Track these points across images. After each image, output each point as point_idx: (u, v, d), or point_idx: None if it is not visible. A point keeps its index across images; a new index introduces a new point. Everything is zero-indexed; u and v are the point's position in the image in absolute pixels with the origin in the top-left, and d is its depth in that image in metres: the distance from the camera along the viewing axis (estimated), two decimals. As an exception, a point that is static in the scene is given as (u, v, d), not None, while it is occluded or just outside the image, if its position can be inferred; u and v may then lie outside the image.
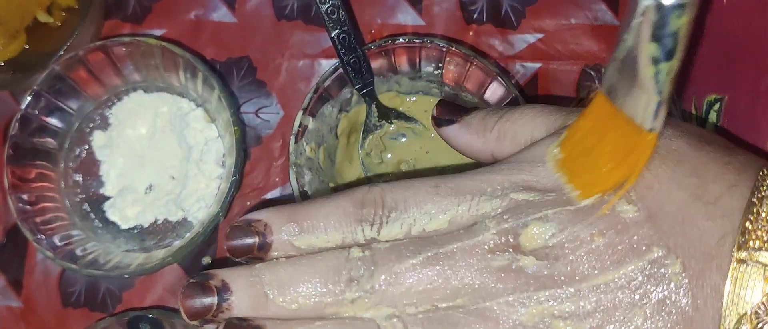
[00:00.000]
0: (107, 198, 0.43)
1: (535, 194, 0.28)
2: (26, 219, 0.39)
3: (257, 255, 0.28)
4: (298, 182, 0.38)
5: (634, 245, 0.27)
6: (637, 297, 0.26)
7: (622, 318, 0.26)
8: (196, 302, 0.27)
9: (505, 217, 0.28)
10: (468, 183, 0.29)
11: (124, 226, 0.43)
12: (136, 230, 0.43)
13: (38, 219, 0.40)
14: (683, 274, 0.26)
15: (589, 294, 0.26)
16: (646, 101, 0.26)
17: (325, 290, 0.28)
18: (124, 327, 0.39)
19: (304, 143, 0.39)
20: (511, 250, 0.27)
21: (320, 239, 0.29)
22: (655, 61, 0.24)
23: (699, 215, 0.26)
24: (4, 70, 0.43)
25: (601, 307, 0.26)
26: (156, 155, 0.43)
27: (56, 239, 0.40)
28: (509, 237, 0.28)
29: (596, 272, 0.27)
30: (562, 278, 0.27)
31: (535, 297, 0.27)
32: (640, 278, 0.26)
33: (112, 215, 0.43)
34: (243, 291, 0.27)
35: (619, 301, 0.26)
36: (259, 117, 0.44)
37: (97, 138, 0.44)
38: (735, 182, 0.26)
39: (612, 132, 0.28)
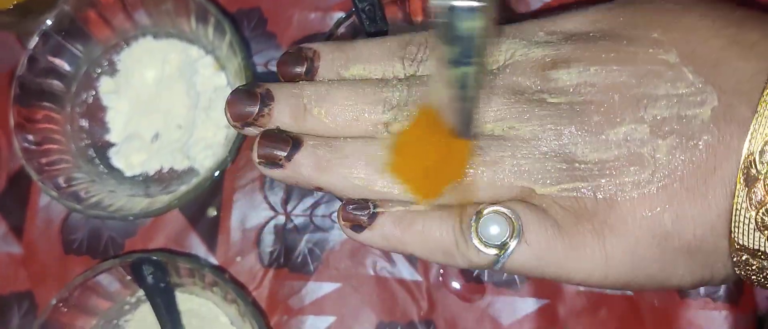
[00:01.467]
0: (112, 145, 0.43)
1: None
2: (31, 159, 0.39)
3: (304, 78, 0.30)
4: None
5: (667, 81, 0.27)
6: (665, 128, 0.26)
7: (646, 151, 0.27)
8: (241, 105, 0.29)
9: (544, 53, 0.29)
10: (508, 30, 0.30)
11: (128, 173, 0.42)
12: (140, 178, 0.42)
13: (43, 160, 0.40)
14: (712, 107, 0.26)
15: (620, 127, 0.27)
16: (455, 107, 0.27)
17: (362, 108, 0.29)
18: (127, 270, 0.38)
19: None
20: (543, 83, 0.28)
21: (365, 69, 0.31)
22: (453, 64, 0.25)
23: (734, 57, 0.26)
24: (12, 14, 0.42)
25: (629, 139, 0.27)
26: (163, 102, 0.42)
27: (61, 180, 0.39)
28: (545, 70, 0.29)
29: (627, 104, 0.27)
30: (593, 111, 0.27)
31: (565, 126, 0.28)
32: (666, 113, 0.27)
33: (117, 161, 0.42)
34: (284, 100, 0.29)
35: (645, 134, 0.27)
36: (268, 69, 0.44)
37: (105, 84, 0.43)
38: None
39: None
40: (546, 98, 0.28)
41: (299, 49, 0.31)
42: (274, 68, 0.44)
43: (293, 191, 0.42)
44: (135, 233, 0.42)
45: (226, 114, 0.29)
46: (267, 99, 0.29)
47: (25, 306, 0.41)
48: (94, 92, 0.43)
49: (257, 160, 0.29)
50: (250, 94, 0.29)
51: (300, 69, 0.30)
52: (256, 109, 0.29)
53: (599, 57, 0.28)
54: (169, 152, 0.42)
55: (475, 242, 0.28)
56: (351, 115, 0.29)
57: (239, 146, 0.40)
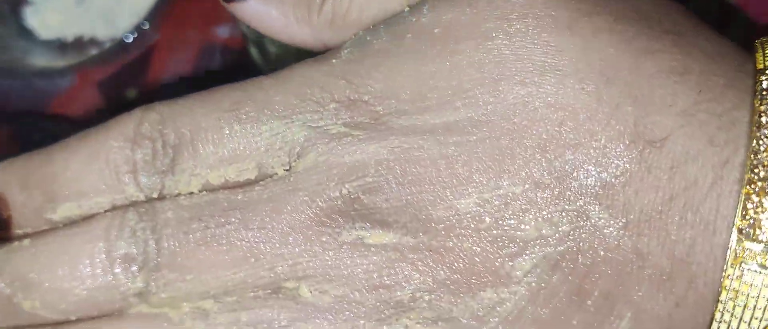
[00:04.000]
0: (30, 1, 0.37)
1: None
2: None
3: None
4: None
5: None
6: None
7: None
8: None
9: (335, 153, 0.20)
10: (280, 98, 0.20)
11: (43, 35, 0.36)
12: (56, 44, 0.36)
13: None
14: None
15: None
16: None
17: (93, 281, 0.19)
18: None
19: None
20: (355, 213, 0.20)
21: (78, 206, 0.20)
22: None
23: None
24: None
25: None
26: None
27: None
28: (349, 195, 0.20)
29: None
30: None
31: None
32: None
33: (32, 19, 0.36)
34: None
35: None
36: None
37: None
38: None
39: None
40: (366, 240, 0.20)
41: None
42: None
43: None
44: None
45: None
46: None
47: None
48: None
49: None
50: None
51: None
52: None
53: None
54: (93, 17, 0.36)
55: None
56: (81, 295, 0.20)
57: (164, 14, 0.33)
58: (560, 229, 0.19)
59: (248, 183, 0.20)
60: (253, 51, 0.33)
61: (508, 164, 0.19)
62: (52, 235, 0.20)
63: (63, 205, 0.20)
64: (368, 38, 0.21)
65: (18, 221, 0.20)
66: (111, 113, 0.21)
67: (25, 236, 0.20)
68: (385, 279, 0.19)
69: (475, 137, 0.19)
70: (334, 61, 0.21)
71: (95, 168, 0.20)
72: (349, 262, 0.20)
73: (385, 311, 0.19)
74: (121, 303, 0.20)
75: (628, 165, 0.19)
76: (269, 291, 0.20)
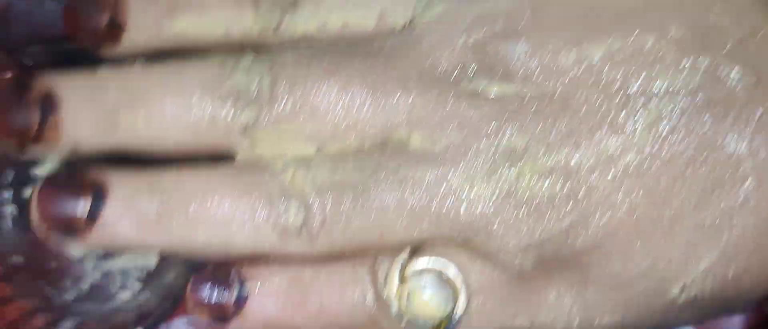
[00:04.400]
0: None
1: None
2: None
3: (106, 37, 0.20)
4: None
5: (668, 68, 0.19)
6: (665, 146, 0.19)
7: (640, 181, 0.19)
8: (9, 115, 0.19)
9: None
10: None
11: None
12: None
13: None
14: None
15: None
16: None
17: (200, 110, 0.19)
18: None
19: None
20: (480, 65, 0.19)
21: (199, 23, 0.20)
22: None
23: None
24: None
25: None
26: None
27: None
28: (486, 44, 0.19)
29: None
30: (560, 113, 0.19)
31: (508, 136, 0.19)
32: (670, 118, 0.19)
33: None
34: (79, 105, 0.19)
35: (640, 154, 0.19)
36: None
37: None
38: None
39: None
40: (486, 90, 0.19)
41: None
42: None
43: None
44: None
45: None
46: (49, 107, 0.19)
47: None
48: None
49: (41, 229, 0.19)
50: (22, 91, 0.19)
51: (98, 18, 0.20)
52: (32, 119, 0.19)
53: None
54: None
55: (404, 322, 0.19)
56: (185, 122, 0.19)
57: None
58: (691, 83, 0.18)
59: (367, 31, 0.20)
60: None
61: (641, 14, 0.19)
62: (164, 63, 0.20)
63: (183, 15, 0.20)
64: None
65: (133, 27, 0.20)
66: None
67: (138, 48, 0.20)
68: (503, 127, 0.19)
69: None
70: None
71: None
72: (466, 112, 0.19)
73: (499, 159, 0.19)
74: (224, 140, 0.19)
75: (762, 23, 0.19)
76: (379, 139, 0.19)
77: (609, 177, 0.19)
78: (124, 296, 0.31)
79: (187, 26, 0.20)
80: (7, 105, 0.19)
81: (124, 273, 0.32)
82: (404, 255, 0.19)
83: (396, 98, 0.19)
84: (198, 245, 0.19)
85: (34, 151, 0.20)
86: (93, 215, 0.19)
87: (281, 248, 0.19)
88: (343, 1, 0.20)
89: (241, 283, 0.19)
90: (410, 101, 0.19)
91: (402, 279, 0.19)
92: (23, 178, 0.32)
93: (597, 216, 0.19)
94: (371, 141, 0.19)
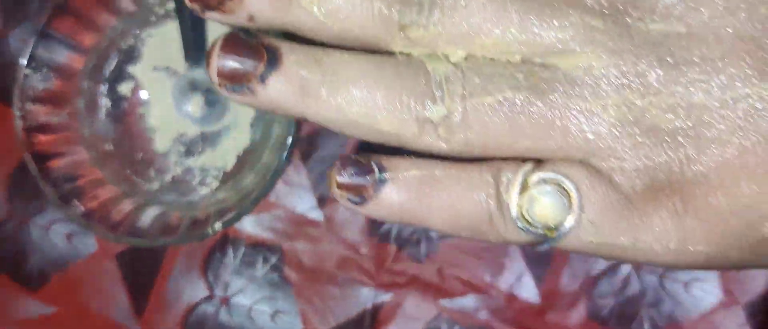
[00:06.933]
0: None
1: None
2: None
3: None
4: None
5: None
6: None
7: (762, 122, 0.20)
8: None
9: None
10: None
11: None
12: None
13: None
14: None
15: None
16: None
17: (370, 2, 0.21)
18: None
19: None
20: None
21: None
22: None
23: None
24: None
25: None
26: None
27: None
28: None
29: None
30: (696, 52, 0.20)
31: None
32: None
33: None
34: None
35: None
36: None
37: None
38: None
39: None
40: (632, 24, 0.20)
41: None
42: None
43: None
44: None
45: None
46: None
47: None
48: None
49: (217, 79, 0.21)
50: None
51: None
52: None
53: None
54: None
55: (519, 223, 0.21)
56: (355, 11, 0.21)
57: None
58: None
59: None
60: None
61: None
62: None
63: None
64: None
65: None
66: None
67: None
68: (642, 60, 0.21)
69: None
70: None
71: None
72: (610, 42, 0.21)
73: (633, 89, 0.21)
74: (386, 34, 0.21)
75: None
76: (526, 57, 0.21)
77: (728, 118, 0.20)
78: (203, 191, 0.35)
79: None
80: None
81: (204, 170, 0.35)
82: (529, 165, 0.21)
83: (548, 24, 0.21)
84: (348, 121, 0.21)
85: (212, 16, 0.21)
86: (264, 78, 0.21)
87: (420, 138, 0.21)
88: None
89: (381, 170, 0.22)
90: (560, 27, 0.21)
91: (524, 187, 0.21)
92: (119, 74, 0.35)
93: (709, 152, 0.20)
94: (519, 56, 0.21)
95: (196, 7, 0.21)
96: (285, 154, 0.31)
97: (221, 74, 0.21)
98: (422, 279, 0.34)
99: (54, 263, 0.36)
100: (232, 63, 0.21)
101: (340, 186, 0.22)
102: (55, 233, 0.36)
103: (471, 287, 0.34)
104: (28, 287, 0.36)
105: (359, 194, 0.22)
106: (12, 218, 0.36)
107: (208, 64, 0.21)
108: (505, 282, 0.34)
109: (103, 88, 0.35)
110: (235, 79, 0.21)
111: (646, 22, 0.21)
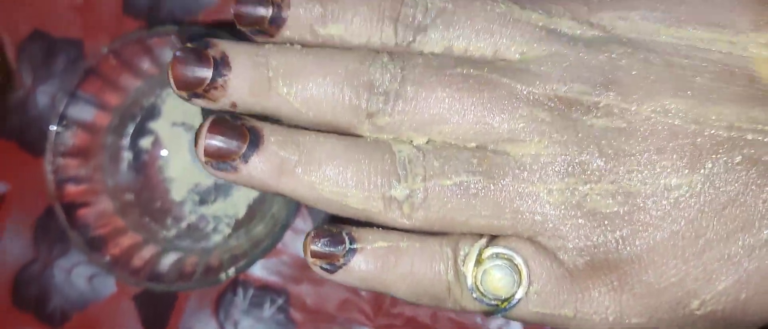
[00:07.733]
0: None
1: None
2: None
3: (267, 29, 0.24)
4: None
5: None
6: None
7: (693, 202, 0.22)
8: (189, 71, 0.23)
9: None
10: (536, 15, 0.24)
11: None
12: None
13: None
14: None
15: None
16: None
17: (341, 93, 0.23)
18: (183, 40, 0.36)
19: None
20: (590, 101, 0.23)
21: (344, 30, 0.24)
22: None
23: None
24: None
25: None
26: None
27: None
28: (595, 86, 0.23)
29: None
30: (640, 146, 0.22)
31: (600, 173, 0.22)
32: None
33: None
34: (244, 71, 0.23)
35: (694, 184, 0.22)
36: None
37: None
38: None
39: None
40: (578, 119, 0.23)
41: None
42: None
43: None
44: (197, 12, 0.40)
45: (168, 78, 0.23)
46: (222, 67, 0.23)
47: (73, 54, 0.40)
48: None
49: (204, 158, 0.23)
50: (202, 56, 0.23)
51: (264, 12, 0.23)
52: (208, 75, 0.23)
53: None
54: None
55: (474, 294, 0.23)
56: (326, 103, 0.23)
57: None
58: (752, 132, 0.22)
59: (486, 58, 0.24)
60: None
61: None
62: (319, 48, 0.24)
63: (334, 24, 0.24)
64: None
65: (290, 26, 0.24)
66: None
67: (292, 41, 0.24)
68: (586, 152, 0.23)
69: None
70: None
71: (367, 7, 0.23)
72: (558, 135, 0.23)
73: (577, 177, 0.23)
74: (354, 120, 0.23)
75: None
76: (480, 143, 0.23)
77: (660, 205, 0.22)
78: (216, 238, 0.37)
79: (335, 33, 0.24)
80: (188, 60, 0.23)
81: (216, 218, 0.38)
82: (483, 240, 0.23)
83: (499, 116, 0.23)
84: (320, 198, 0.23)
85: (199, 102, 0.23)
86: (246, 157, 0.23)
87: (386, 215, 0.23)
88: (468, 32, 0.23)
89: (351, 241, 0.23)
90: (510, 119, 0.23)
91: (478, 260, 0.23)
92: (140, 129, 0.38)
93: (643, 235, 0.22)
94: (474, 143, 0.23)
95: (183, 94, 0.23)
96: (293, 208, 0.34)
97: (208, 153, 0.23)
98: (418, 321, 0.37)
99: (75, 303, 0.39)
100: (217, 143, 0.23)
101: (314, 255, 0.23)
102: (76, 276, 0.39)
103: (463, 328, 0.37)
104: (50, 325, 0.39)
105: (331, 262, 0.23)
106: (37, 261, 0.39)
107: (196, 144, 0.23)
108: (495, 324, 0.37)
109: (126, 142, 0.38)
110: (220, 158, 0.23)
111: (590, 117, 0.23)
